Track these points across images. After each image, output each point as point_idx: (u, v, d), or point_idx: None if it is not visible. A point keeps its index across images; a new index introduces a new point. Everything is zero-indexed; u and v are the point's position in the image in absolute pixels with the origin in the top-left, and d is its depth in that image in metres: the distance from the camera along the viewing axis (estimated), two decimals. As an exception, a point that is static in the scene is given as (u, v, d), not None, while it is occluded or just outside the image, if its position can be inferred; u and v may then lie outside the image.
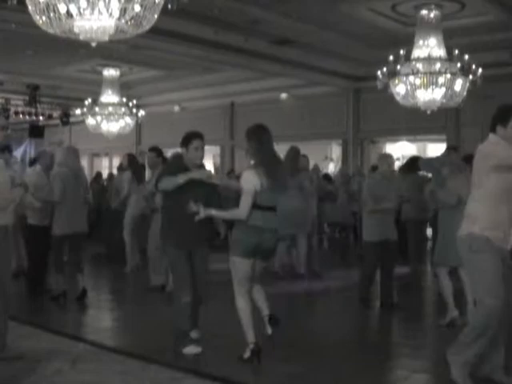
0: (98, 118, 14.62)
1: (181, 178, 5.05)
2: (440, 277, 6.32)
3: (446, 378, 4.42)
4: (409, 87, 9.97)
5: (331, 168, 17.11)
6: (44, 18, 6.08)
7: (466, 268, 4.38)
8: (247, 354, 4.84)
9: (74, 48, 10.36)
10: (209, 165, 16.62)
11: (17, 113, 16.25)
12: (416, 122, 12.98)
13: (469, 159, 8.58)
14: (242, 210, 4.80)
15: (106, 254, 11.19)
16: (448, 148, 7.81)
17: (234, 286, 4.94)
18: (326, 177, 14.46)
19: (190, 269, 5.20)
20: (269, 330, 5.20)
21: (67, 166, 7.33)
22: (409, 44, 10.07)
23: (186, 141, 5.21)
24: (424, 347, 5.68)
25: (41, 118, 16.85)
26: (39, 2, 6.01)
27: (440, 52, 9.93)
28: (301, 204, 8.79)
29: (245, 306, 4.91)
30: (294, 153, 8.93)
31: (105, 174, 16.31)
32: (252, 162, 4.90)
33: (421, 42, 10.00)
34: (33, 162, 10.29)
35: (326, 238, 13.79)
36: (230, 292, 5.00)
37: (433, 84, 9.77)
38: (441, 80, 9.78)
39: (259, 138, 4.90)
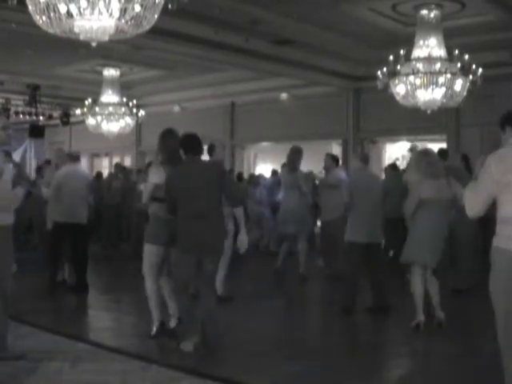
0: (99, 117, 14.59)
1: None
2: (413, 277, 6.18)
3: (445, 377, 4.42)
4: (409, 87, 9.95)
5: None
6: (44, 17, 6.07)
7: None
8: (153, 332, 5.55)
9: (74, 48, 10.34)
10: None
11: (17, 113, 16.24)
12: (416, 122, 12.96)
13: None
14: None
15: (104, 253, 11.20)
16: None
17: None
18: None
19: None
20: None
21: None
22: (409, 44, 10.06)
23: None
24: (423, 347, 5.68)
25: (41, 118, 16.83)
26: (39, 2, 6.00)
27: (440, 52, 9.92)
28: (299, 203, 8.82)
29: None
30: (291, 152, 9.23)
31: (105, 174, 16.25)
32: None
33: (421, 41, 9.99)
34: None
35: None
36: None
37: (433, 84, 9.75)
38: (441, 80, 9.76)
39: (167, 140, 5.60)
